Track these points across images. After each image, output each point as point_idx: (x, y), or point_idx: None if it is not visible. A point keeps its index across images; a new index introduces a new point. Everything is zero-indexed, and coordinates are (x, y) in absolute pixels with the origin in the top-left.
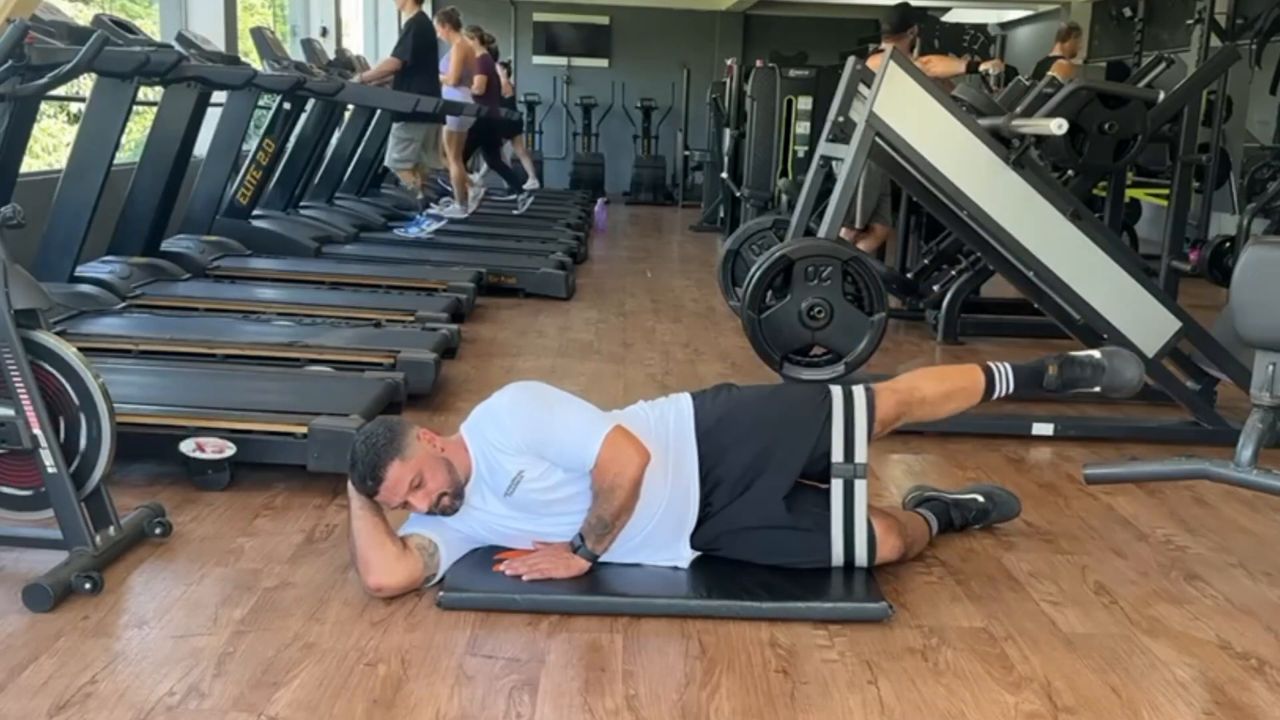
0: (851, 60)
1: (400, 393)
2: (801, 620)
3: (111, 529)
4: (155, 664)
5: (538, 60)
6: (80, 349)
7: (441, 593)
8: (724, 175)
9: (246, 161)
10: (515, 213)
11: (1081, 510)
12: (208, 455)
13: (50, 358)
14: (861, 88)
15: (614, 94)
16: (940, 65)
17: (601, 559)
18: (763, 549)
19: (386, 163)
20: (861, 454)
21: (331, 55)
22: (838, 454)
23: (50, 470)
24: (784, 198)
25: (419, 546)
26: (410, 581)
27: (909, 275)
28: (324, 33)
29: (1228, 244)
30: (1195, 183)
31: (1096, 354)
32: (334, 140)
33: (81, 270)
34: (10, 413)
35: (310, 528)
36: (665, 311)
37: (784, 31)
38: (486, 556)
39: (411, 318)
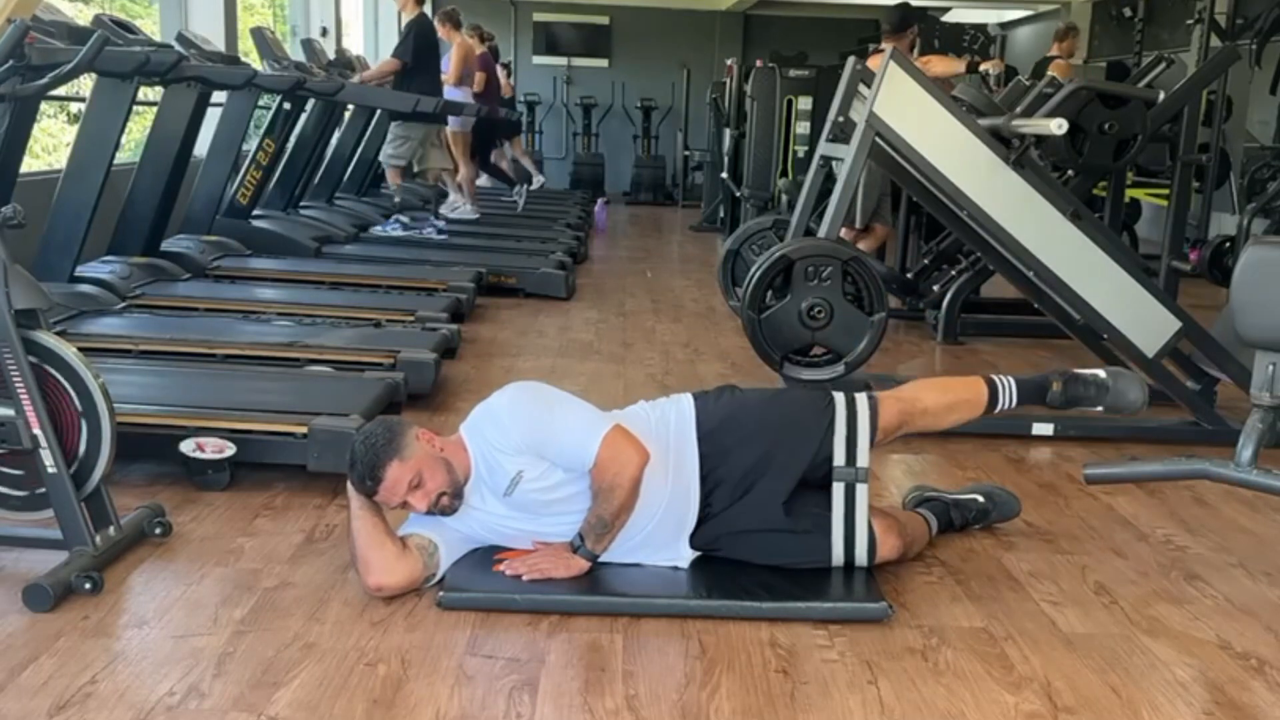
0: (851, 60)
1: (400, 393)
2: (801, 620)
3: (111, 529)
4: (155, 664)
5: (538, 60)
6: (80, 349)
7: (441, 593)
8: (724, 175)
9: (246, 161)
10: (448, 214)
11: (1081, 510)
12: (208, 455)
13: (50, 358)
14: (861, 88)
15: (614, 94)
16: (940, 65)
17: (601, 559)
18: (762, 551)
19: (381, 158)
20: (863, 459)
21: (331, 55)
22: (839, 458)
23: (50, 470)
24: (784, 198)
25: (419, 546)
26: (410, 581)
27: (909, 275)
28: (324, 33)
29: (1228, 244)
30: (1195, 183)
31: (1102, 373)
32: (334, 140)
33: (81, 270)
34: (10, 413)
35: (310, 528)
36: (665, 311)
37: (784, 31)
38: (486, 556)
39: (411, 318)
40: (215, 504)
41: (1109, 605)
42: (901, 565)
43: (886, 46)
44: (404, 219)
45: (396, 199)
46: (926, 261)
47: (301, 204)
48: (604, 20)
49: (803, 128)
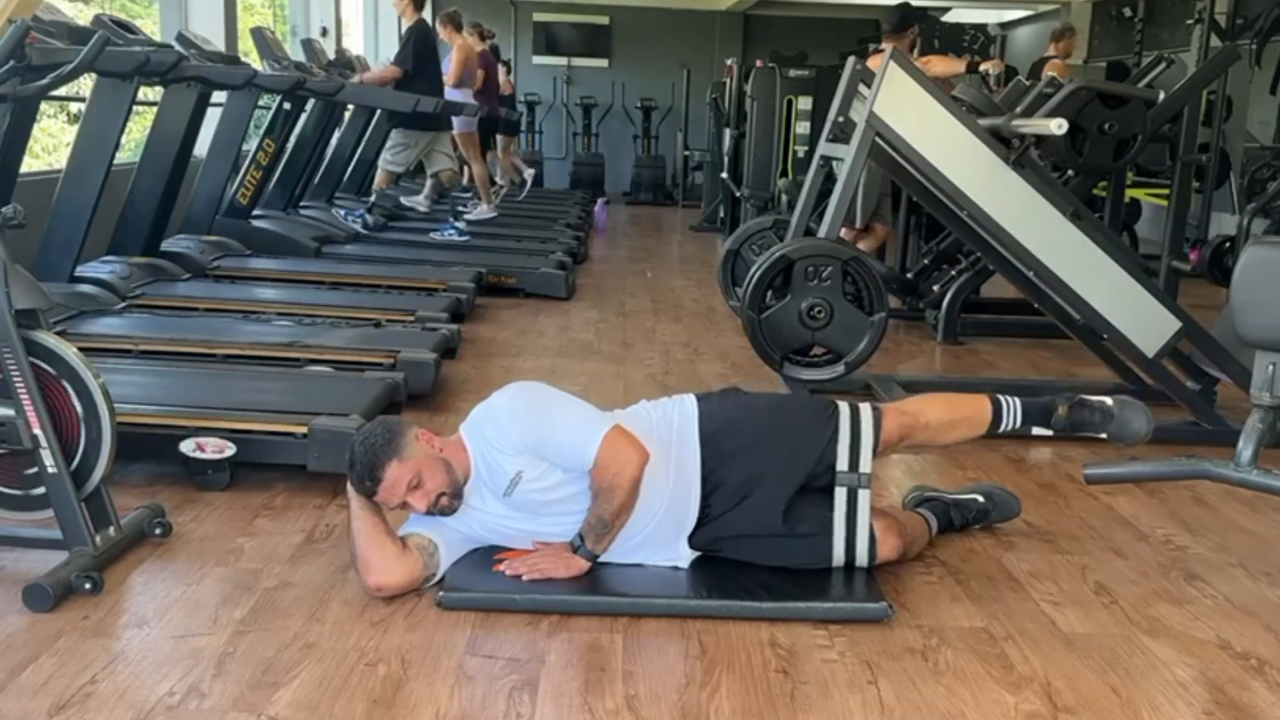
0: (851, 60)
1: (400, 393)
2: (801, 620)
3: (111, 529)
4: (155, 664)
5: (538, 60)
6: (80, 349)
7: (441, 593)
8: (724, 175)
9: (246, 161)
10: (469, 217)
11: (1081, 510)
12: (208, 455)
13: (50, 358)
14: (861, 88)
15: (614, 94)
16: (940, 65)
17: (601, 559)
18: (762, 554)
19: (380, 160)
20: (866, 465)
21: (331, 55)
22: (843, 464)
23: (50, 470)
24: (784, 198)
25: (419, 546)
26: (410, 581)
27: (909, 275)
28: (324, 33)
29: (1228, 244)
30: (1195, 183)
31: (1108, 400)
32: (334, 140)
33: (81, 270)
34: (10, 413)
35: (310, 528)
36: (665, 311)
37: (784, 31)
38: (486, 556)
39: (411, 318)
40: (215, 504)
41: (1109, 605)
42: (901, 565)
43: (886, 46)
44: (369, 217)
45: (373, 197)
46: (926, 261)
47: (301, 204)
48: (604, 20)
49: (803, 128)
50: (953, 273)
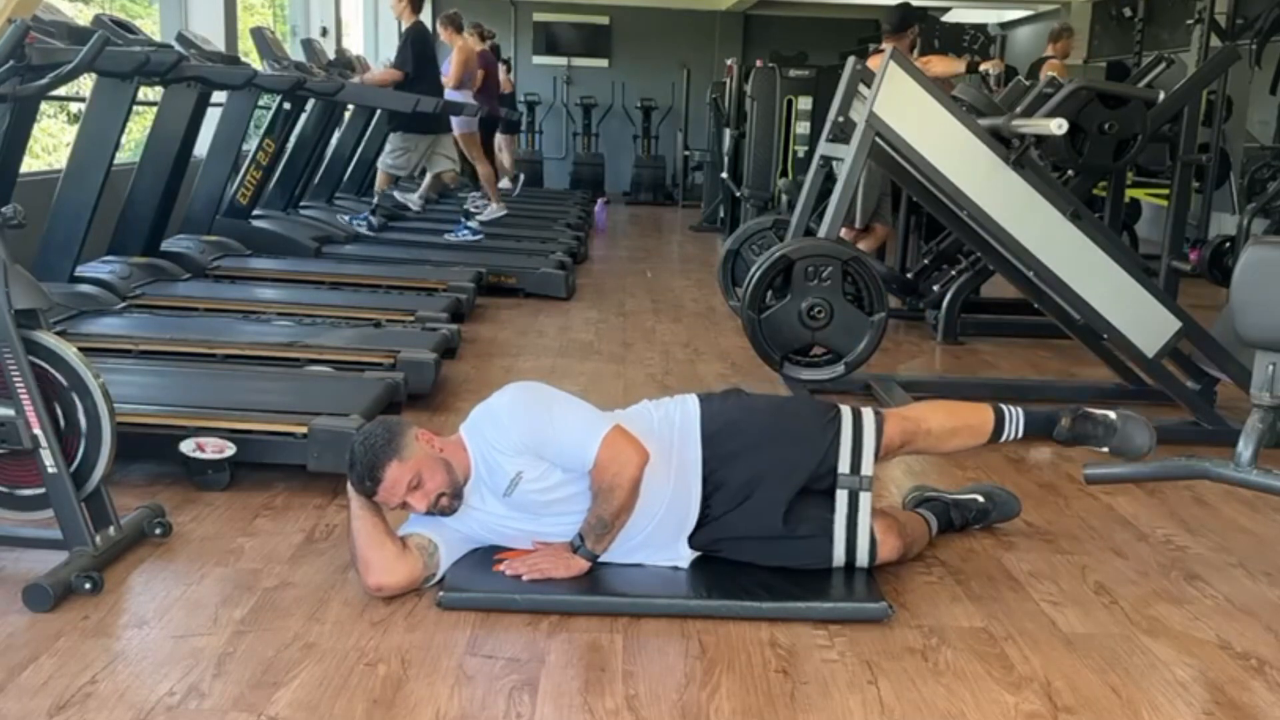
0: (851, 60)
1: (400, 393)
2: (801, 620)
3: (111, 529)
4: (155, 664)
5: (538, 60)
6: (80, 349)
7: (441, 593)
8: (724, 175)
9: (246, 161)
10: (482, 218)
11: (1081, 510)
12: (208, 455)
13: (50, 358)
14: (861, 88)
15: (614, 94)
16: (940, 65)
17: (602, 559)
18: (763, 555)
19: (379, 163)
20: (868, 468)
21: (331, 55)
22: (844, 466)
23: (50, 470)
24: (784, 198)
25: (419, 546)
26: (410, 581)
27: (909, 275)
28: (324, 33)
29: (1228, 244)
30: (1195, 183)
31: (1112, 414)
32: (334, 140)
33: (81, 270)
34: (10, 413)
35: (310, 528)
36: (665, 311)
37: (784, 31)
38: (486, 556)
39: (411, 318)
40: (215, 504)
41: (1109, 605)
42: (901, 565)
43: (886, 46)
44: (373, 219)
45: (375, 199)
46: (926, 261)
47: (301, 204)
48: (604, 20)
49: (803, 128)
50: (953, 273)
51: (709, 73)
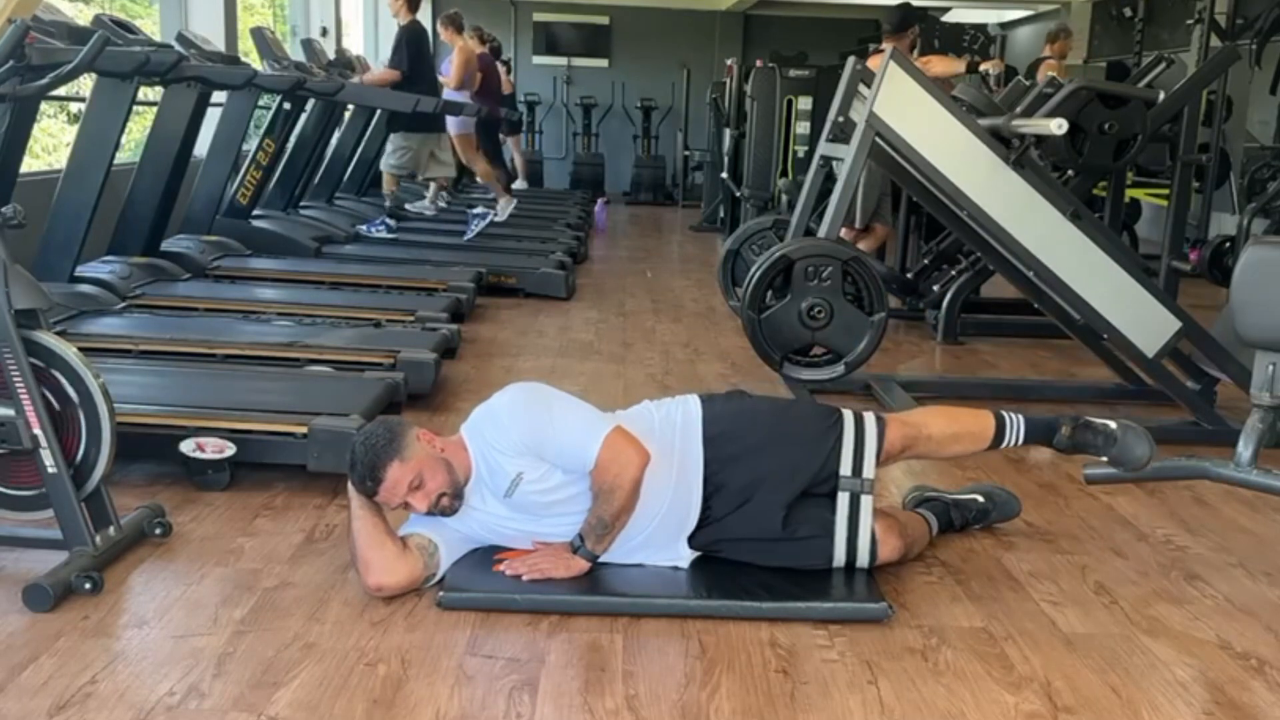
0: (851, 60)
1: (400, 393)
2: (801, 620)
3: (111, 529)
4: (155, 664)
5: (538, 60)
6: (80, 349)
7: (441, 593)
8: (724, 175)
9: (246, 161)
10: (496, 219)
11: (1081, 510)
12: (208, 455)
13: (50, 358)
14: (861, 88)
15: (614, 94)
16: (940, 65)
17: (602, 559)
18: (763, 556)
19: (382, 166)
20: (869, 471)
21: (331, 55)
22: (846, 469)
23: (50, 470)
24: (784, 198)
25: (419, 546)
26: (410, 581)
27: (909, 275)
28: (324, 33)
29: (1228, 244)
30: (1195, 183)
31: (1112, 424)
32: (334, 140)
33: (81, 270)
34: (10, 413)
35: (310, 528)
36: (665, 311)
37: (784, 31)
38: (486, 556)
39: (411, 318)
40: (215, 504)
41: (1109, 605)
42: (901, 565)
43: (887, 46)
44: (390, 221)
45: (387, 203)
46: (926, 261)
47: (301, 204)
48: (604, 20)
49: (803, 128)
50: (953, 273)
51: (709, 73)
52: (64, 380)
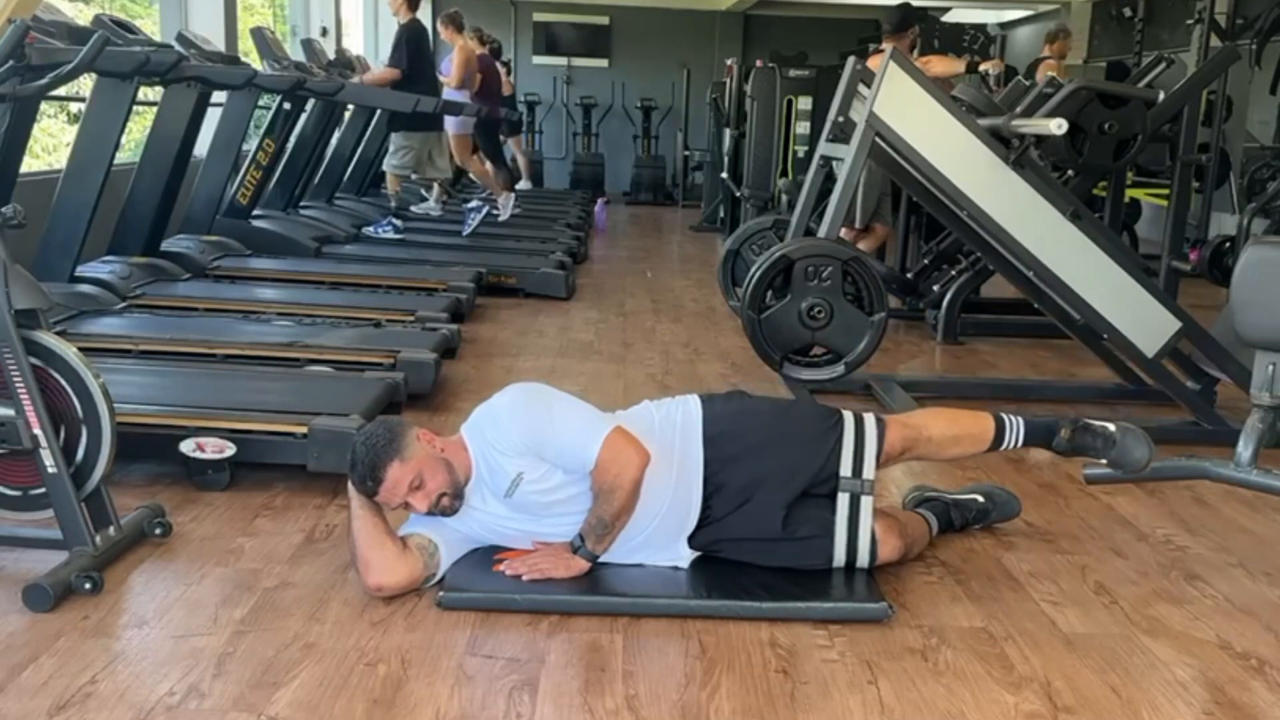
0: (851, 60)
1: (400, 393)
2: (801, 620)
3: (111, 529)
4: (155, 664)
5: (538, 60)
6: (80, 349)
7: (441, 593)
8: (724, 175)
9: (246, 161)
10: (500, 218)
11: (1081, 510)
12: (208, 455)
13: (50, 358)
14: (861, 88)
15: (614, 94)
16: (940, 65)
17: (602, 559)
18: (763, 556)
19: (385, 167)
20: (870, 472)
21: (331, 55)
22: (846, 470)
23: (50, 470)
24: (784, 198)
25: (419, 546)
26: (410, 581)
27: (909, 275)
28: (324, 33)
29: (1228, 244)
30: (1195, 183)
31: (1111, 427)
32: (334, 140)
33: (81, 270)
34: (10, 413)
35: (310, 528)
36: (665, 311)
37: (784, 31)
38: (486, 556)
39: (411, 318)
40: (215, 504)
41: (1109, 605)
42: (901, 565)
43: (887, 46)
44: (397, 222)
45: (393, 204)
46: (926, 261)
47: (301, 204)
48: (604, 20)
49: (803, 128)
50: (953, 273)
51: (709, 73)
52: (64, 380)
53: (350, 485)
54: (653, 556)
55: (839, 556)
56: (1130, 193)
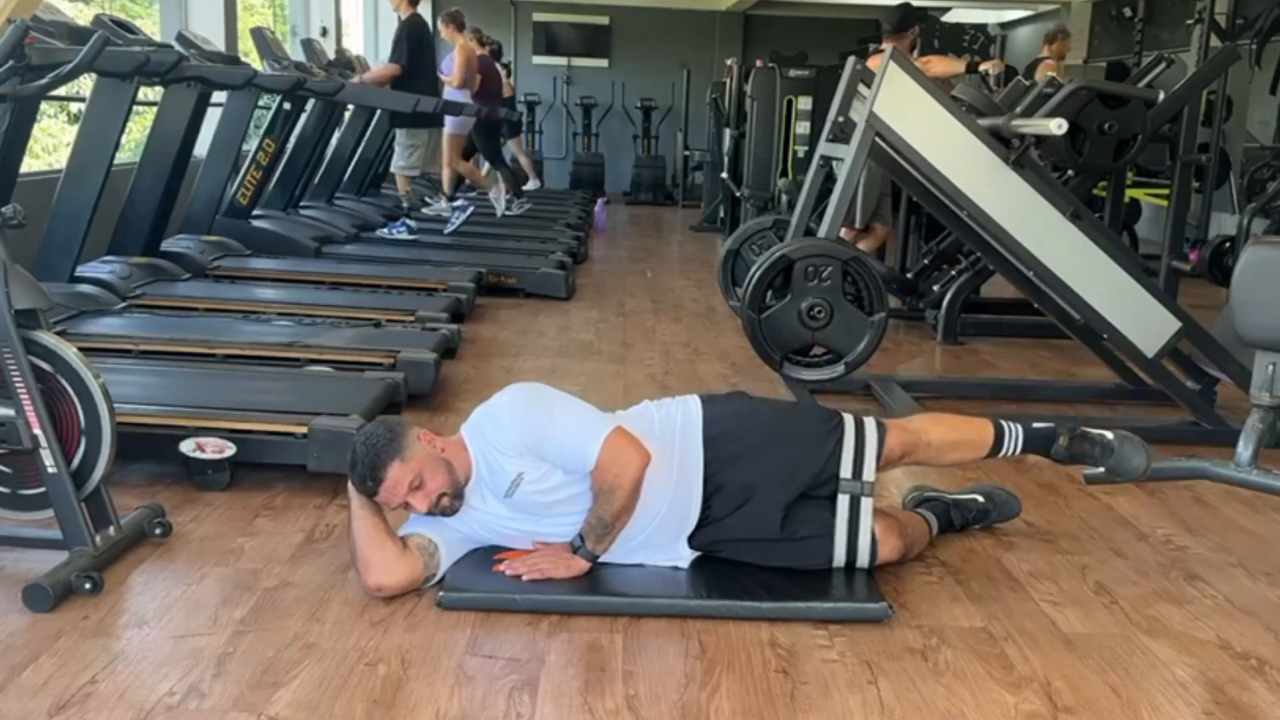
0: (851, 60)
1: (400, 393)
2: (801, 620)
3: (111, 529)
4: (155, 664)
5: (538, 60)
6: (80, 349)
7: (441, 593)
8: (724, 175)
9: (246, 161)
10: (512, 213)
11: (1081, 510)
12: (208, 455)
13: (50, 358)
14: (861, 88)
15: (614, 94)
16: (940, 65)
17: (602, 559)
18: (763, 556)
19: (393, 168)
20: (870, 474)
21: (331, 55)
22: (846, 472)
23: (50, 470)
24: (784, 198)
25: (419, 546)
26: (410, 581)
27: (909, 275)
28: (324, 33)
29: (1228, 244)
30: (1195, 183)
31: (1109, 435)
32: (334, 140)
33: (81, 270)
34: (10, 413)
35: (310, 528)
36: (665, 311)
37: (784, 31)
38: (486, 556)
39: (411, 318)
40: (215, 504)
41: (1109, 605)
42: (901, 565)
43: (887, 46)
44: (411, 223)
45: (404, 204)
46: (926, 261)
47: (301, 204)
48: (604, 20)
49: (803, 128)
50: (953, 273)
51: (709, 73)
52: (64, 380)
53: (350, 485)
54: (653, 556)
55: (839, 557)
56: (1130, 193)
